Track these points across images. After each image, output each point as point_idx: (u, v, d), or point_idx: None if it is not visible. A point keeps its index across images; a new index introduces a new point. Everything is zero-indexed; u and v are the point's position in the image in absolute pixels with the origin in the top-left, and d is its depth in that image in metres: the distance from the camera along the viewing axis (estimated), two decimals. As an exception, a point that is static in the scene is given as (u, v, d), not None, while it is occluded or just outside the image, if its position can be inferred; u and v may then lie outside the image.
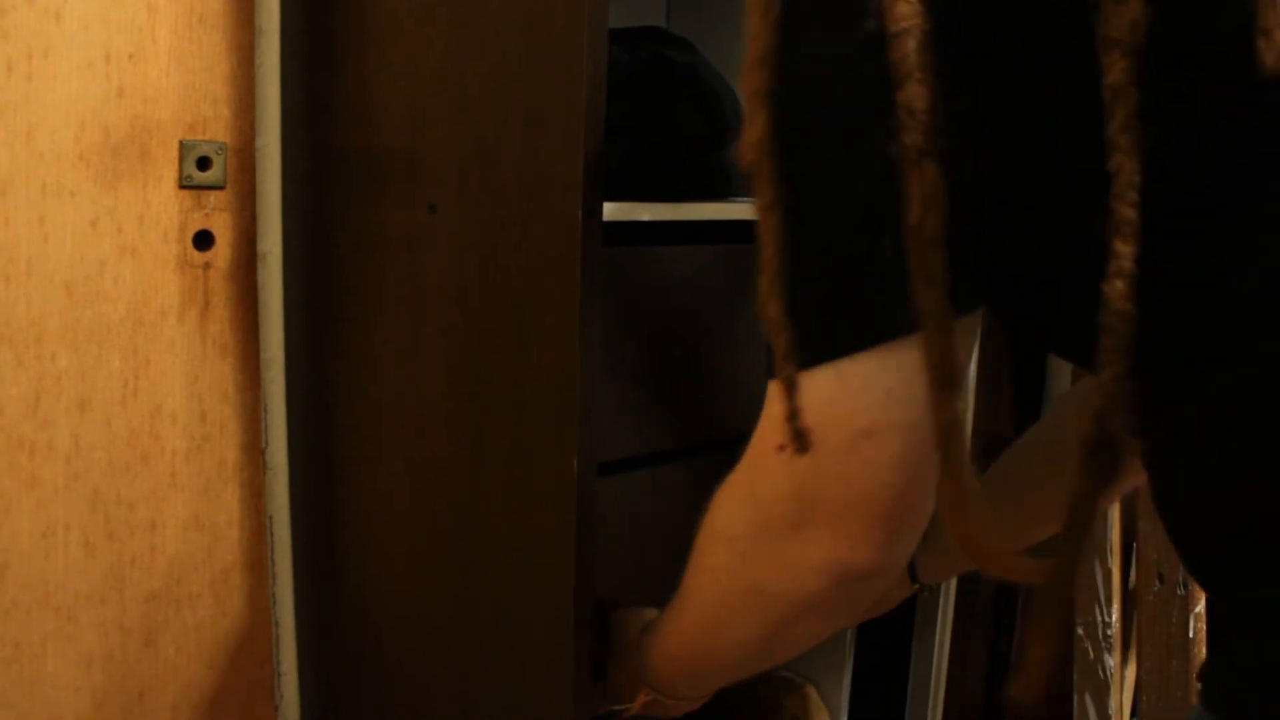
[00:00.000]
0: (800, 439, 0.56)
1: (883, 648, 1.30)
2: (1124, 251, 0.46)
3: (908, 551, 0.61)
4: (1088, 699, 1.45)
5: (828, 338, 0.55)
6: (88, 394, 1.09)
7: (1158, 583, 1.37)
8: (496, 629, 0.96)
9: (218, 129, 1.13)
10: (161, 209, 1.11)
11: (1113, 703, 1.43)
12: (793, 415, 0.55)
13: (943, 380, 0.51)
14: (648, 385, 0.99)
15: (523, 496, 0.90)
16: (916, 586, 1.04)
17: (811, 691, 1.38)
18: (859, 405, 0.55)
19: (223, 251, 1.15)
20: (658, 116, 1.03)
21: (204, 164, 1.12)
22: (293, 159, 1.14)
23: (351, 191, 1.06)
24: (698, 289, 1.01)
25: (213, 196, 1.13)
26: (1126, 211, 0.46)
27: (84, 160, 1.05)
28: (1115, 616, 1.43)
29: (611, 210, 0.88)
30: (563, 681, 0.88)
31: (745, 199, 1.07)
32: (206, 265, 1.14)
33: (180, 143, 1.10)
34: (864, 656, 1.36)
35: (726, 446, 0.79)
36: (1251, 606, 0.54)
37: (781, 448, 0.58)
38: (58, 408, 1.07)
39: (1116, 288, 0.47)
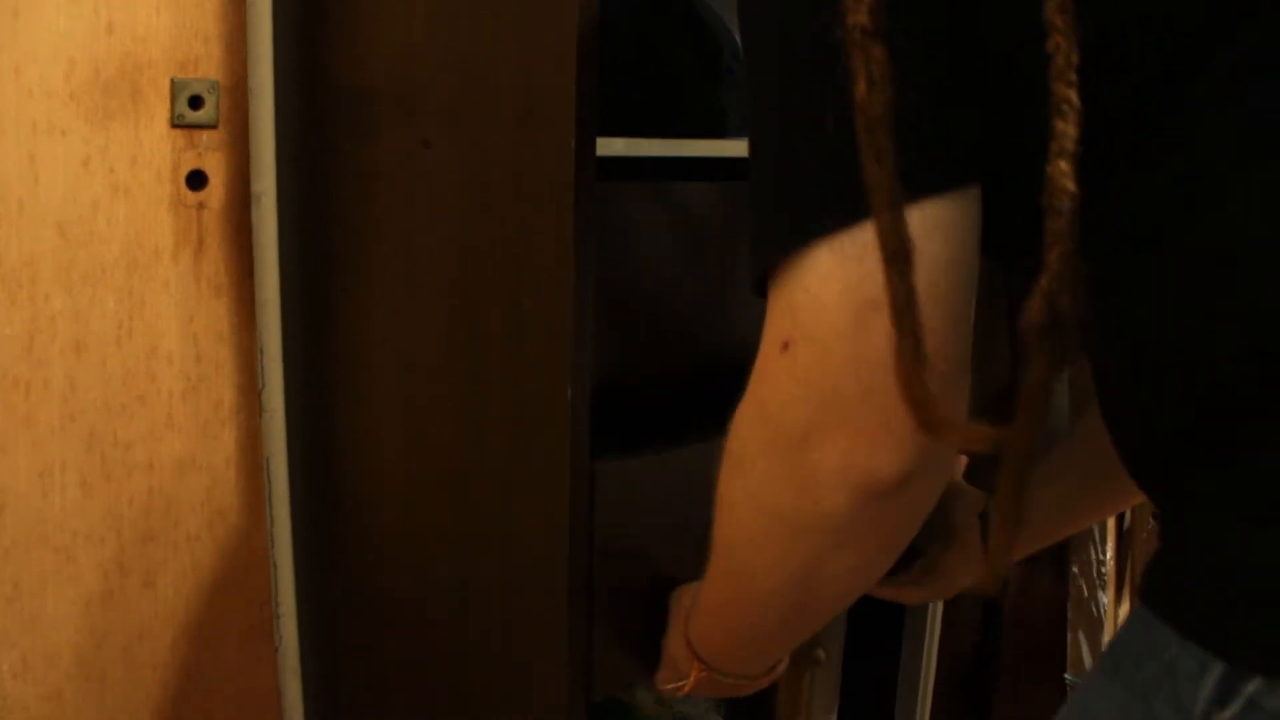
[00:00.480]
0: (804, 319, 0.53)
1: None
2: (1065, 131, 0.46)
3: (936, 457, 0.54)
4: (1081, 636, 1.46)
5: (818, 214, 0.52)
6: (83, 335, 1.09)
7: (1152, 520, 1.38)
8: (494, 565, 0.96)
9: (209, 67, 1.12)
10: (154, 148, 1.10)
11: (1106, 639, 1.44)
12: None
13: (892, 256, 0.48)
14: (643, 320, 0.99)
15: (518, 431, 0.90)
16: None
17: (807, 632, 1.39)
18: (861, 272, 0.50)
19: (216, 191, 1.14)
20: (654, 53, 1.02)
21: (196, 103, 1.11)
22: (286, 97, 1.12)
23: (345, 129, 1.06)
24: (694, 225, 1.00)
25: (205, 136, 1.12)
26: (1065, 91, 0.46)
27: (74, 99, 1.04)
28: (1109, 554, 1.44)
29: (606, 145, 0.87)
30: (559, 611, 0.88)
31: (742, 136, 1.06)
32: (200, 205, 1.13)
33: (171, 81, 1.09)
34: (861, 602, 1.37)
35: (722, 386, 0.80)
36: (1180, 498, 0.54)
37: (785, 345, 0.54)
38: (53, 348, 1.07)
39: (1059, 168, 0.46)
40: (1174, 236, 0.51)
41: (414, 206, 0.98)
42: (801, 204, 0.54)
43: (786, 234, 0.54)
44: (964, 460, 1.15)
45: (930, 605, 1.34)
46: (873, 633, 1.39)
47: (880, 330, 0.50)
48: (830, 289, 0.52)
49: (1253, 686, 0.46)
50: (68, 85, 1.03)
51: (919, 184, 0.50)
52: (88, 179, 1.06)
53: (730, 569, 0.69)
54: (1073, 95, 0.46)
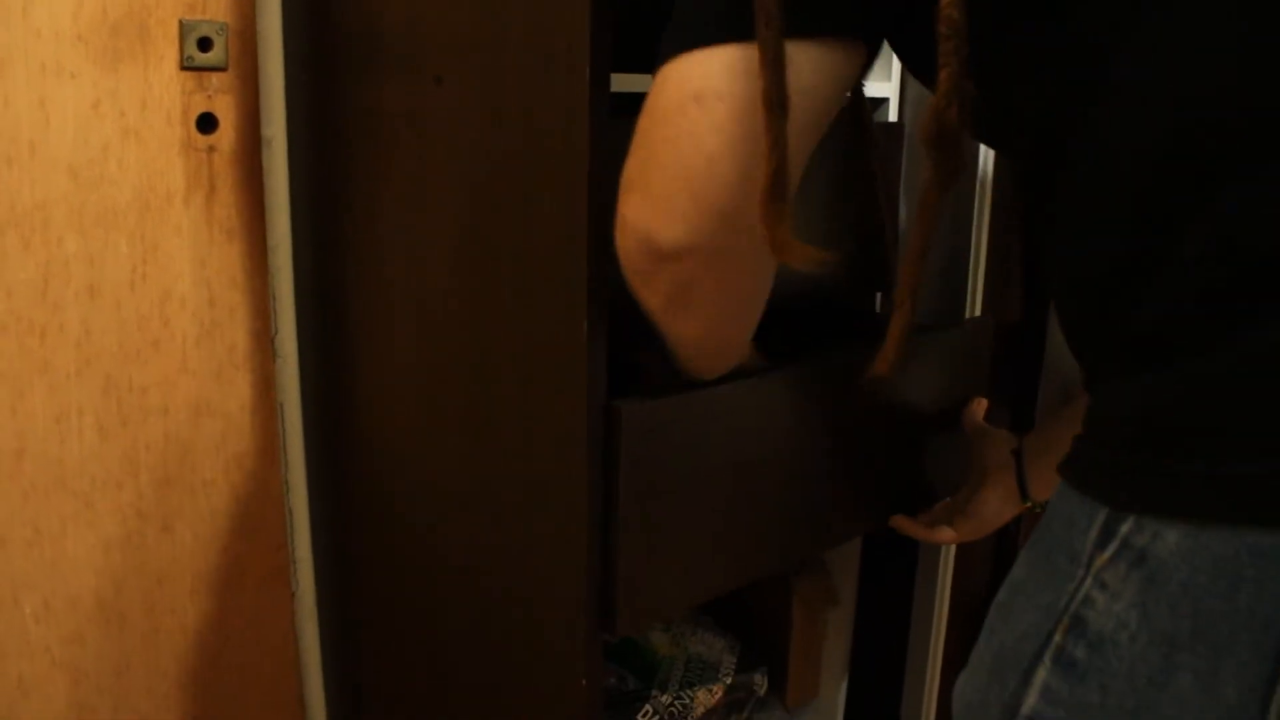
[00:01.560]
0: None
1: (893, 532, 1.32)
2: None
3: (713, 238, 0.65)
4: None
5: (693, 30, 0.63)
6: (96, 279, 1.08)
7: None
8: (511, 507, 0.97)
9: (218, 9, 1.11)
10: (163, 91, 1.09)
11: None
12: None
13: (771, 102, 0.58)
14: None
15: (534, 370, 0.90)
16: (1028, 505, 1.04)
17: (822, 573, 1.40)
18: (696, 71, 0.62)
19: (227, 135, 1.13)
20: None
21: (205, 45, 1.10)
22: (295, 38, 1.12)
23: (355, 69, 1.05)
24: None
25: (215, 78, 1.12)
26: None
27: (82, 40, 1.03)
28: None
29: (621, 82, 0.86)
30: (576, 552, 0.88)
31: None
32: (211, 149, 1.13)
33: (180, 22, 1.08)
34: (875, 541, 1.38)
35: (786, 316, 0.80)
36: (1091, 364, 0.58)
37: (648, 113, 0.65)
38: (67, 292, 1.07)
39: None
40: (1094, 86, 0.55)
41: (425, 145, 0.98)
42: (686, 19, 0.64)
43: (669, 38, 0.64)
44: (984, 403, 1.15)
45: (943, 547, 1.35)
46: (886, 571, 1.40)
47: (694, 117, 0.62)
48: (674, 79, 0.63)
49: (1126, 526, 0.49)
50: (75, 26, 1.03)
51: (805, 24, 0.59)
52: (98, 122, 1.06)
53: None
54: None
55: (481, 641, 1.05)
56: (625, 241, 0.69)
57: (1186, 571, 0.47)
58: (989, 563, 1.51)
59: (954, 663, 1.40)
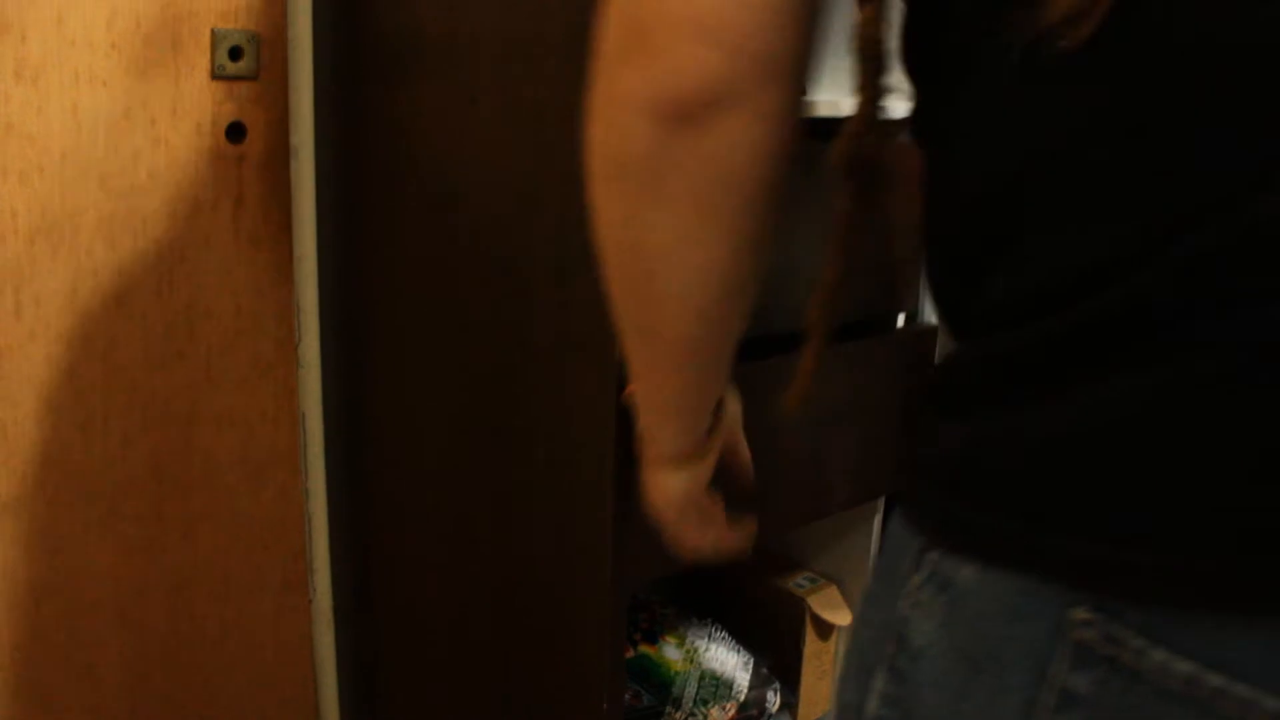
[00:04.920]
0: None
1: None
2: None
3: (749, 74, 0.49)
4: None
5: None
6: (124, 287, 1.08)
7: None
8: (534, 514, 0.97)
9: (249, 18, 1.10)
10: (194, 100, 1.09)
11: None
12: None
13: None
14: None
15: (564, 372, 0.90)
16: None
17: (833, 590, 1.40)
18: None
19: (255, 144, 1.13)
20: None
21: (236, 54, 1.10)
22: (325, 49, 1.12)
23: (386, 81, 1.05)
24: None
25: (245, 88, 1.12)
26: None
27: (116, 49, 1.03)
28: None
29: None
30: (603, 574, 0.89)
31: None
32: (240, 158, 1.13)
33: (212, 32, 1.08)
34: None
35: (777, 341, 0.80)
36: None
37: None
38: (95, 301, 1.07)
39: (867, 14, 0.51)
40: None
41: (457, 161, 0.97)
42: None
43: None
44: None
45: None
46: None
47: None
48: None
49: (933, 556, 0.53)
50: (109, 35, 1.02)
51: None
52: (129, 131, 1.05)
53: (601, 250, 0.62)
54: None
55: (502, 656, 1.05)
56: (638, 124, 0.51)
57: (978, 602, 0.51)
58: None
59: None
